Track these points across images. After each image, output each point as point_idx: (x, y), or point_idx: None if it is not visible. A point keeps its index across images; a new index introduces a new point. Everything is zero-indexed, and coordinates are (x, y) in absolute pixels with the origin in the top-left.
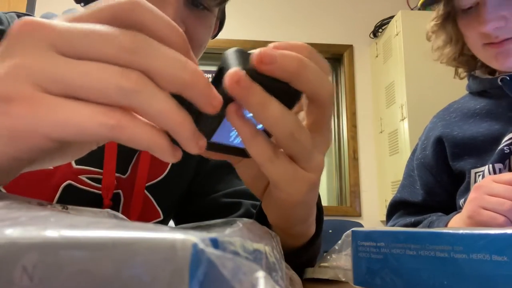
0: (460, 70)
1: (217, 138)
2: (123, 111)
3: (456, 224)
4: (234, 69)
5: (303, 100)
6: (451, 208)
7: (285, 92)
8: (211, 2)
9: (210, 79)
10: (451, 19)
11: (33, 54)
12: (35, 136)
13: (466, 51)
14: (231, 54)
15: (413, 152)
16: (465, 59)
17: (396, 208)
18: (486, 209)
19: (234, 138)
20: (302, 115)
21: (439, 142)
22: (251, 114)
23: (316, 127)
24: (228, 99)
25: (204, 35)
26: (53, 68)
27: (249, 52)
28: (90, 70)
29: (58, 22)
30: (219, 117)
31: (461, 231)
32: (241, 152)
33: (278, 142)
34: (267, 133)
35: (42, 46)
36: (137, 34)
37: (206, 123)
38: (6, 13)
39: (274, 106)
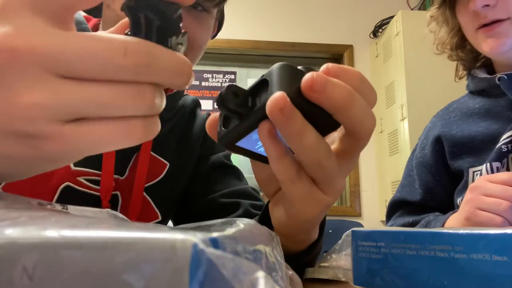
0: (460, 68)
1: (243, 143)
2: (143, 120)
3: (453, 225)
4: (279, 94)
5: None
6: (450, 207)
7: (324, 120)
8: (209, 4)
9: (222, 81)
10: (448, 6)
11: (36, 87)
12: (67, 163)
13: (467, 45)
14: (278, 71)
15: (413, 152)
16: (464, 55)
17: (396, 208)
18: (483, 210)
19: (260, 147)
20: (333, 136)
21: (438, 141)
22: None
23: (345, 155)
24: (263, 115)
25: (203, 36)
26: (62, 99)
27: (298, 69)
28: (100, 94)
29: (48, 41)
30: (251, 127)
31: (461, 231)
32: (264, 159)
33: (304, 166)
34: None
35: (40, 74)
36: (139, 48)
37: (236, 129)
38: None
39: (309, 136)
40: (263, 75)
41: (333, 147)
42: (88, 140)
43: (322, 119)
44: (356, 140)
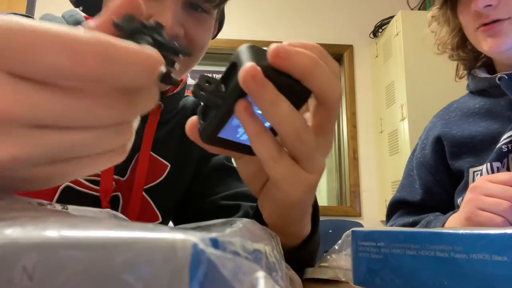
0: (461, 68)
1: (224, 134)
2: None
3: (453, 225)
4: (250, 64)
5: (310, 101)
6: (450, 207)
7: (295, 92)
8: (208, 5)
9: (217, 76)
10: (450, 6)
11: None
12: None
13: (468, 45)
14: (245, 50)
15: (413, 152)
16: (465, 55)
17: (396, 208)
18: (483, 210)
19: (241, 134)
20: (307, 116)
21: (438, 141)
22: (259, 111)
23: (321, 130)
24: (238, 95)
25: (203, 37)
26: (44, 148)
27: (262, 48)
28: (81, 140)
29: (23, 102)
30: (228, 112)
31: (461, 231)
32: (247, 150)
33: (283, 141)
34: (273, 132)
35: (17, 130)
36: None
37: (216, 117)
38: (6, 15)
39: (283, 105)
40: (231, 60)
41: (308, 124)
42: (70, 174)
43: (292, 91)
44: (326, 109)
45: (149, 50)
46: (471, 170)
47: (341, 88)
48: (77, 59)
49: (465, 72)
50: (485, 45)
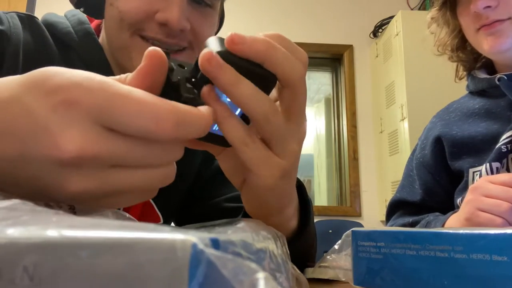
0: (460, 69)
1: None
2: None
3: (453, 225)
4: (205, 50)
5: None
6: (450, 207)
7: (260, 77)
8: None
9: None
10: (449, 8)
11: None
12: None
13: (468, 46)
14: (209, 40)
15: (413, 152)
16: (465, 56)
17: (396, 208)
18: (483, 211)
19: (215, 124)
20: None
21: (438, 142)
22: (229, 100)
23: (289, 115)
24: (204, 83)
25: (209, 32)
26: (110, 149)
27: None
28: (138, 150)
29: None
30: (201, 102)
31: (461, 231)
32: (224, 141)
33: (253, 123)
34: (246, 121)
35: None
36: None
37: None
38: (6, 13)
39: (245, 86)
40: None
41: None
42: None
43: (258, 76)
44: (291, 90)
45: (205, 111)
46: (471, 170)
47: (303, 70)
48: (159, 126)
49: (465, 73)
50: (486, 44)
